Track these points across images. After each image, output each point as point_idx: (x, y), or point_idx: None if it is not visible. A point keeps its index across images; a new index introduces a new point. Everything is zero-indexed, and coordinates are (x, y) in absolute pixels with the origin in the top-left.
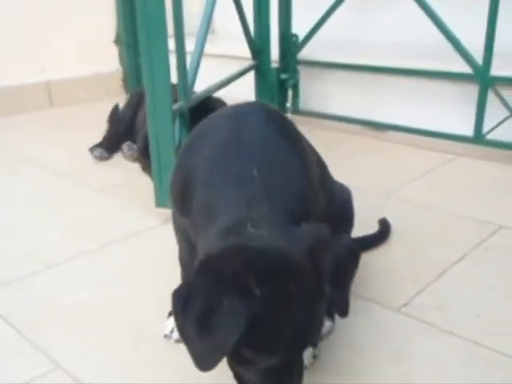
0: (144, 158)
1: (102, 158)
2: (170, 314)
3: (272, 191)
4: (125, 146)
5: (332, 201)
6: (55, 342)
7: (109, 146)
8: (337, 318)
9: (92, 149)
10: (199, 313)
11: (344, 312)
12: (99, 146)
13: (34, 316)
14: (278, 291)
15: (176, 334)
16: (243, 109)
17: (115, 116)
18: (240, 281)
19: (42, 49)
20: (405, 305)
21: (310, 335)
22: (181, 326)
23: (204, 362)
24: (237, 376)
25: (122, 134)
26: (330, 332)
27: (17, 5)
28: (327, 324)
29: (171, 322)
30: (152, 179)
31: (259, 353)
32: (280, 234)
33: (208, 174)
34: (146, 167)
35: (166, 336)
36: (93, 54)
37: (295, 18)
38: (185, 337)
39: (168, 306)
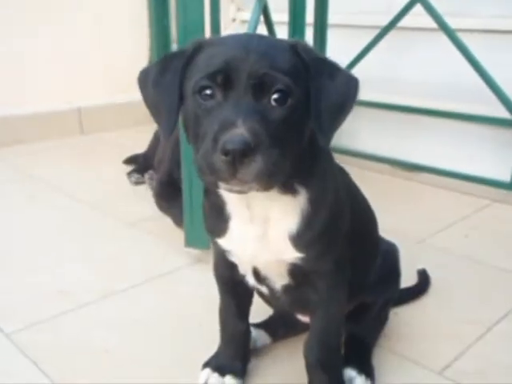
0: (161, 200)
1: (138, 183)
2: (204, 366)
3: None
4: (147, 177)
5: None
6: None
7: (143, 171)
8: (376, 378)
9: (129, 174)
10: (154, 75)
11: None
12: (136, 170)
13: (64, 361)
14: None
15: None
16: None
17: (155, 140)
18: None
19: (74, 76)
20: (446, 367)
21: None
22: (144, 94)
23: (165, 119)
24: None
25: (151, 160)
26: None
27: (51, 31)
28: None
29: (206, 374)
30: (172, 219)
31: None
32: None
33: None
34: (163, 208)
35: None
36: (124, 81)
37: (330, 55)
38: (148, 103)
39: (202, 357)
